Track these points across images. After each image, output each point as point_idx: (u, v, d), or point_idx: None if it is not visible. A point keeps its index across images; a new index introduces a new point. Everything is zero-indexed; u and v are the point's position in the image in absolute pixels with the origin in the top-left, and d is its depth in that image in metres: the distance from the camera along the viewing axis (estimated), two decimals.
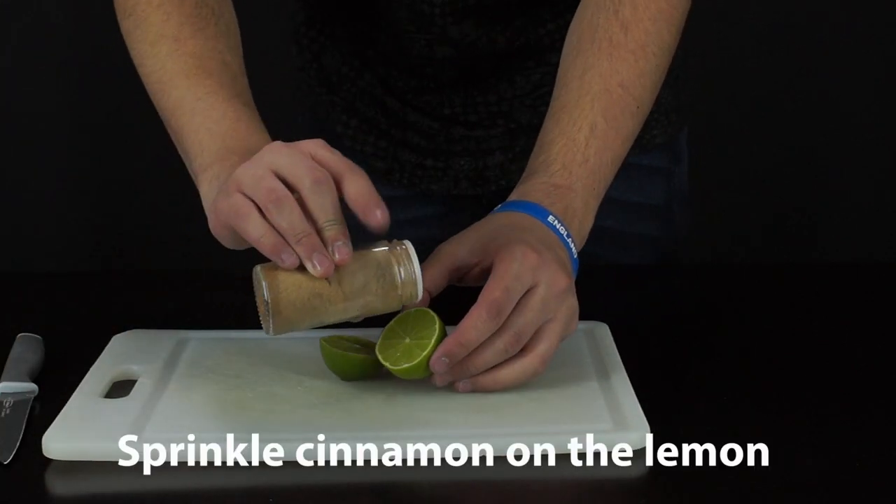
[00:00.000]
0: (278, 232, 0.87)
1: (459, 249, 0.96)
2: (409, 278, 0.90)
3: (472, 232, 0.97)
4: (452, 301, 0.95)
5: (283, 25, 1.37)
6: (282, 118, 1.25)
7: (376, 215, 0.87)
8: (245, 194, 0.87)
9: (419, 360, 0.91)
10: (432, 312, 0.93)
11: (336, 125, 1.32)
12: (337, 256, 0.86)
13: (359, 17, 1.26)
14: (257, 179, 0.87)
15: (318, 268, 0.86)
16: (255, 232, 0.86)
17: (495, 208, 1.01)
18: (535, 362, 0.92)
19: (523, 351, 0.93)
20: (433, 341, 0.91)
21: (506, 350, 0.91)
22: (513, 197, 1.01)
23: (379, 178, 1.30)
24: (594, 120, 1.02)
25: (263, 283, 0.87)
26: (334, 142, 1.31)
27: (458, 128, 1.29)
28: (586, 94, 1.03)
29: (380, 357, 0.93)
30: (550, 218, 0.98)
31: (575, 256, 0.98)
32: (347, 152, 1.30)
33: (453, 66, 1.24)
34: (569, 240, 0.98)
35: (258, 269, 0.88)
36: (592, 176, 1.01)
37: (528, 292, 0.91)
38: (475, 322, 0.90)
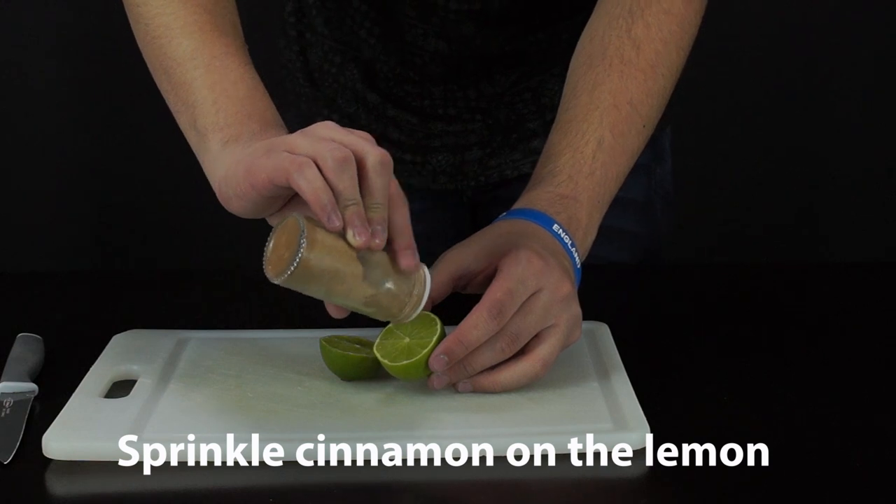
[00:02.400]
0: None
1: (464, 256, 0.96)
2: (417, 296, 0.90)
3: (476, 239, 0.97)
4: (454, 306, 0.95)
5: (273, 22, 1.37)
6: None
7: (409, 258, 0.88)
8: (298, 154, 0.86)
9: (419, 357, 0.91)
10: (433, 315, 0.93)
11: (317, 118, 1.32)
12: (375, 239, 0.85)
13: None
14: (317, 141, 0.86)
15: (358, 238, 0.85)
16: (312, 184, 0.84)
17: (500, 216, 1.01)
18: (536, 365, 0.93)
19: (524, 354, 0.93)
20: (434, 340, 0.91)
21: (503, 350, 0.91)
22: (518, 205, 1.01)
23: None
24: (602, 134, 1.03)
25: (304, 234, 0.84)
26: None
27: (437, 123, 1.29)
28: (595, 109, 1.03)
29: (378, 355, 0.93)
30: (555, 226, 0.98)
31: (578, 266, 0.99)
32: None
33: (441, 60, 1.25)
34: (573, 249, 0.98)
35: (301, 217, 0.86)
36: (597, 188, 1.02)
37: (530, 297, 0.91)
38: (476, 322, 0.90)
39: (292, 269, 0.85)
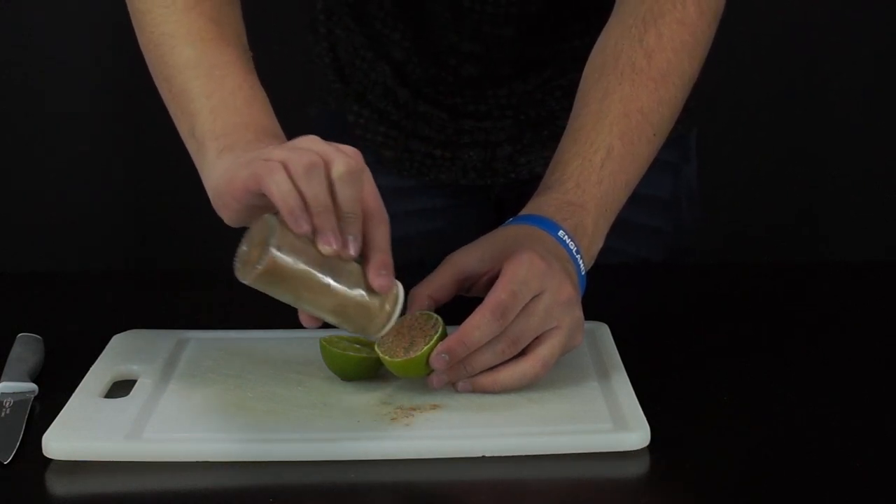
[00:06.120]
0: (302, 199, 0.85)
1: (468, 259, 0.96)
2: (388, 312, 0.89)
3: (481, 242, 0.98)
4: (455, 307, 0.95)
5: (299, 15, 1.37)
6: (294, 109, 1.25)
7: (383, 278, 0.88)
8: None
9: (419, 354, 0.91)
10: (436, 315, 0.93)
11: (348, 114, 1.33)
12: (347, 250, 0.86)
13: None
14: (291, 150, 0.86)
15: (328, 246, 0.85)
16: (280, 188, 0.84)
17: (507, 221, 1.01)
18: (537, 366, 0.93)
19: (525, 354, 0.93)
20: (435, 339, 0.91)
21: (503, 352, 0.91)
22: (525, 211, 1.02)
23: (388, 168, 1.31)
24: (611, 143, 1.03)
25: (276, 233, 0.85)
26: (346, 130, 1.32)
27: (468, 119, 1.30)
28: (605, 117, 1.03)
29: (378, 351, 0.93)
30: (561, 233, 0.98)
31: (583, 273, 0.99)
32: (358, 141, 1.31)
33: (476, 62, 1.25)
34: (577, 256, 0.98)
35: (273, 217, 0.86)
36: (605, 197, 1.02)
37: (533, 299, 0.91)
38: (479, 322, 0.90)
39: (259, 268, 0.85)
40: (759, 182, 2.35)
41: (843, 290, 1.23)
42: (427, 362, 0.91)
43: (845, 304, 1.18)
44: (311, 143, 0.88)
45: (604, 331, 1.05)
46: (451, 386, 0.93)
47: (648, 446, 0.88)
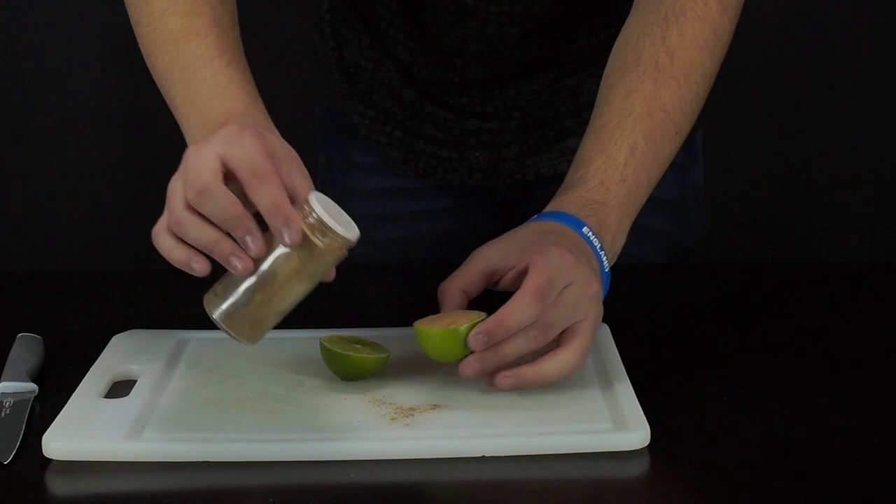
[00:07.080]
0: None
1: (495, 253, 0.96)
2: (318, 226, 0.87)
3: (508, 237, 0.98)
4: (477, 305, 0.95)
5: (305, 15, 1.38)
6: (298, 108, 1.24)
7: (292, 236, 0.86)
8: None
9: (458, 327, 0.91)
10: (479, 311, 0.93)
11: (353, 114, 1.33)
12: (251, 252, 0.86)
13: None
14: (169, 197, 0.89)
15: (238, 267, 0.86)
16: (168, 253, 0.88)
17: (531, 218, 1.01)
18: (576, 356, 0.92)
19: (562, 346, 0.92)
20: (477, 321, 0.91)
21: (535, 338, 0.91)
22: (549, 208, 1.02)
23: (395, 168, 1.31)
24: (635, 141, 1.03)
25: (207, 306, 0.88)
26: (352, 131, 1.32)
27: (474, 120, 1.30)
28: (629, 116, 1.03)
29: (417, 327, 0.92)
30: (585, 229, 0.98)
31: (606, 270, 0.99)
32: (364, 142, 1.31)
33: (481, 62, 1.25)
34: (601, 253, 0.98)
35: (205, 297, 0.89)
36: (628, 195, 1.02)
37: (563, 290, 0.92)
38: (518, 306, 0.90)
39: (242, 334, 0.88)
40: (760, 183, 2.35)
41: (843, 290, 1.23)
42: (464, 343, 0.91)
43: (845, 304, 1.18)
44: (178, 179, 0.89)
45: (604, 331, 1.05)
46: (486, 382, 0.92)
47: (648, 446, 0.88)
